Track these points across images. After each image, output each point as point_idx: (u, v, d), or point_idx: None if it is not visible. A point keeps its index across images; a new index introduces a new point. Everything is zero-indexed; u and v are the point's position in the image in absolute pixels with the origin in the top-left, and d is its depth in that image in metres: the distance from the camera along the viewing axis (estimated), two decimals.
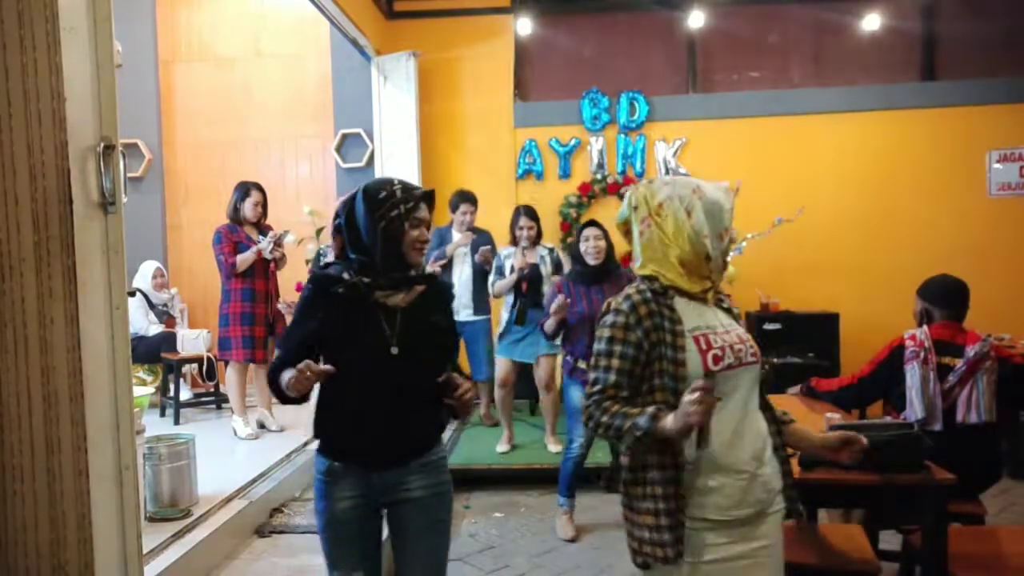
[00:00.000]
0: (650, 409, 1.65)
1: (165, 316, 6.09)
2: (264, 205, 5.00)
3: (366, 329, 1.94)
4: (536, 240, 4.87)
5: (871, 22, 6.41)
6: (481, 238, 5.33)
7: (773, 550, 1.77)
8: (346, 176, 6.59)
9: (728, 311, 1.84)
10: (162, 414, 5.75)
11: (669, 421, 1.61)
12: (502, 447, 5.00)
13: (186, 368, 5.95)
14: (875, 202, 6.40)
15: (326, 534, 2.03)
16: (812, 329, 5.90)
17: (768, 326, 5.91)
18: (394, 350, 1.93)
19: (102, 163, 1.90)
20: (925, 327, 2.95)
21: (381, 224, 1.93)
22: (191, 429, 5.13)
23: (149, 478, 3.44)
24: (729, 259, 5.84)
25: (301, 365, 1.79)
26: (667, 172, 6.56)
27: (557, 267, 4.78)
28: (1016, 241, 6.27)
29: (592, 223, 3.99)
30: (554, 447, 4.93)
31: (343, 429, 1.98)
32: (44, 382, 1.77)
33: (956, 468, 2.31)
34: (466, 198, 5.36)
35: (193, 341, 5.91)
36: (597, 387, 1.73)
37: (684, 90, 6.72)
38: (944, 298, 3.02)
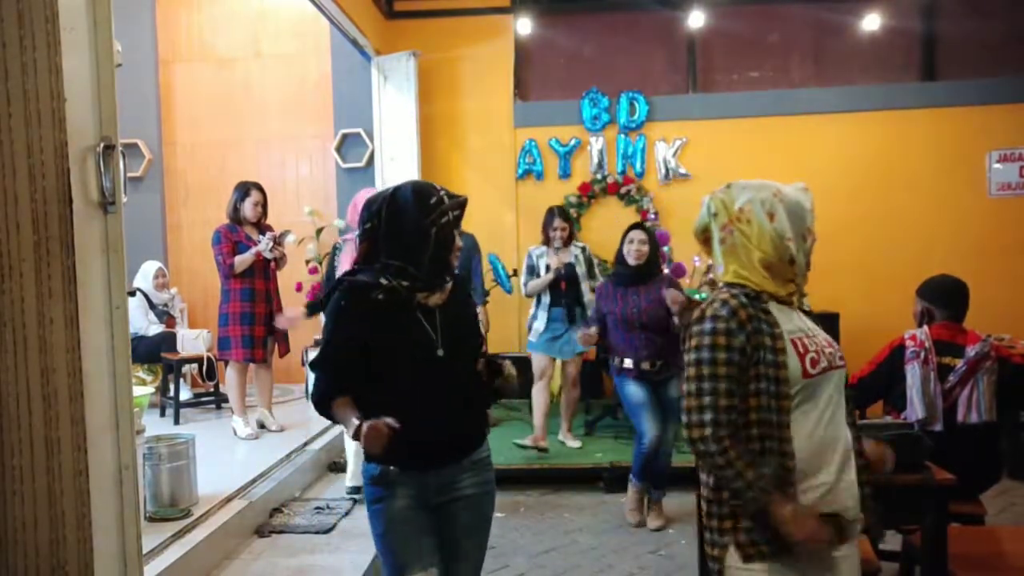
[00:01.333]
0: (771, 482, 1.62)
1: (165, 316, 6.09)
2: (264, 205, 5.00)
3: (411, 333, 1.94)
4: (568, 240, 4.93)
5: (871, 22, 6.41)
6: (465, 239, 5.31)
7: (850, 561, 1.75)
8: (346, 176, 6.60)
9: (809, 314, 1.82)
10: (162, 414, 5.75)
11: (786, 517, 1.61)
12: (525, 440, 4.95)
13: (186, 368, 5.95)
14: (875, 202, 6.40)
15: (390, 536, 1.98)
16: None
17: None
18: (440, 351, 1.95)
19: (102, 163, 1.90)
20: (925, 327, 2.95)
21: (433, 229, 1.93)
22: (191, 429, 5.13)
23: (149, 478, 3.44)
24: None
25: (373, 424, 1.76)
26: (667, 172, 6.56)
27: (590, 265, 4.88)
28: (1016, 241, 6.27)
29: (637, 225, 4.18)
30: (572, 442, 5.02)
31: (399, 435, 1.87)
32: (44, 382, 1.76)
33: (956, 468, 2.31)
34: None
35: (193, 341, 5.91)
36: (706, 400, 1.67)
37: (684, 90, 6.72)
38: (944, 298, 3.02)
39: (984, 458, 2.91)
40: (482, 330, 5.21)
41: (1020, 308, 5.97)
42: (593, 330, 4.04)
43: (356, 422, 1.81)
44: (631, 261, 4.01)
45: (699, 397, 1.68)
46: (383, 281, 1.93)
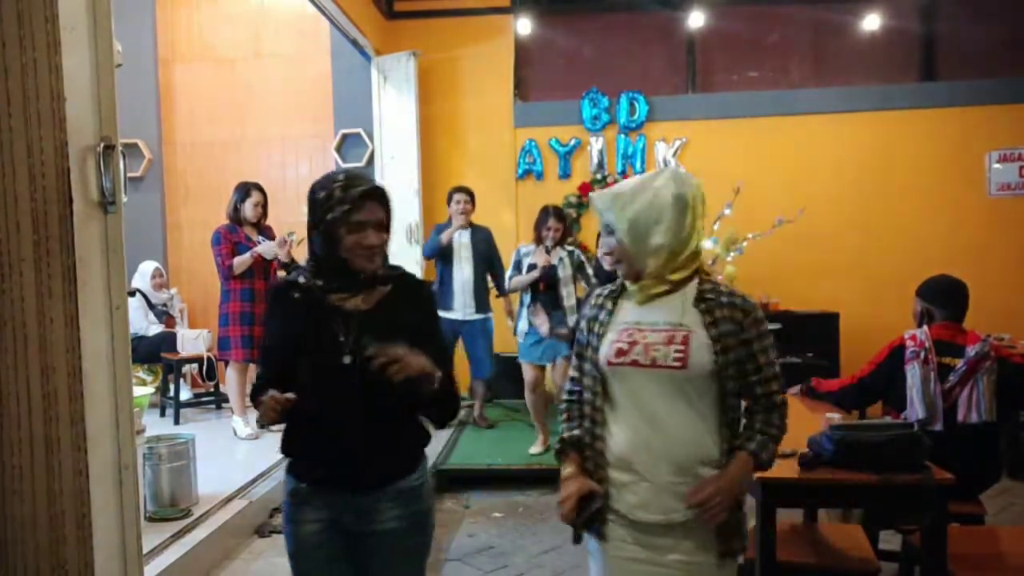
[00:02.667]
0: (564, 446, 1.86)
1: (164, 316, 6.09)
2: (264, 205, 5.00)
3: (319, 336, 1.77)
4: (561, 240, 4.81)
5: (871, 22, 6.41)
6: (481, 233, 5.33)
7: (693, 568, 1.70)
8: None
9: (708, 312, 1.72)
10: (162, 414, 5.75)
11: (562, 476, 1.81)
12: (536, 448, 4.93)
13: (186, 368, 5.95)
14: (875, 202, 6.40)
15: (296, 562, 1.86)
16: (812, 329, 5.90)
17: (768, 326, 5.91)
18: (346, 359, 1.74)
19: (102, 163, 1.90)
20: (925, 327, 2.95)
21: (320, 228, 1.76)
22: (191, 429, 5.13)
23: (149, 478, 3.44)
24: (730, 259, 5.87)
25: (265, 397, 1.67)
26: None
27: (580, 267, 4.77)
28: (1016, 241, 6.28)
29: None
30: None
31: (307, 446, 1.81)
32: (44, 382, 1.76)
33: (956, 468, 2.31)
34: (459, 189, 5.38)
35: (193, 341, 5.91)
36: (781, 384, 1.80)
37: (684, 90, 6.72)
38: (944, 298, 3.02)
39: (984, 458, 2.91)
40: (509, 320, 5.28)
41: (1020, 308, 5.97)
42: (564, 331, 3.96)
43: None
44: (606, 266, 3.88)
45: (779, 382, 1.79)
46: (301, 280, 1.83)
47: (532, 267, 4.72)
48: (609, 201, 1.77)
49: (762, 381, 1.74)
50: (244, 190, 4.93)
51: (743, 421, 1.78)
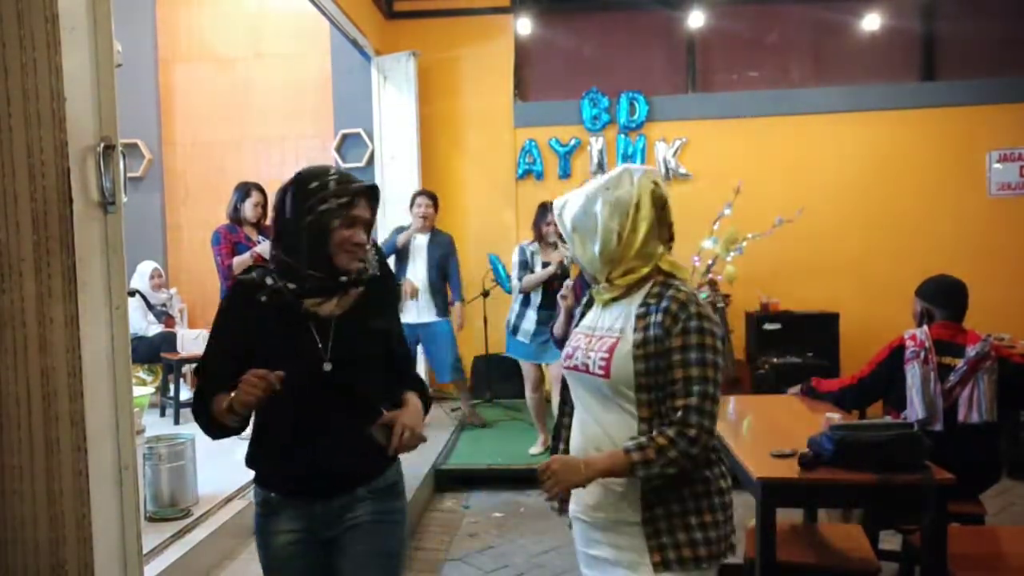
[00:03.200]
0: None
1: (164, 316, 6.09)
2: (264, 205, 5.00)
3: (295, 344, 1.67)
4: (561, 237, 4.82)
5: (871, 22, 6.41)
6: (441, 238, 5.31)
7: (620, 570, 1.67)
8: None
9: (642, 317, 1.67)
10: (162, 414, 5.75)
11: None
12: (536, 449, 4.93)
13: (186, 368, 5.95)
14: (875, 202, 6.40)
15: (268, 574, 1.78)
16: (812, 329, 5.90)
17: (768, 326, 5.92)
18: (327, 366, 1.67)
19: (102, 163, 1.90)
20: (925, 327, 2.95)
21: (308, 219, 1.64)
22: (191, 429, 5.10)
23: (149, 478, 3.44)
24: (730, 259, 5.87)
25: (247, 375, 1.55)
26: (667, 172, 6.57)
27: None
28: (1016, 241, 6.28)
29: None
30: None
31: (278, 457, 1.72)
32: (44, 382, 1.76)
33: (956, 468, 2.31)
34: (422, 192, 5.37)
35: (193, 341, 5.90)
36: (717, 406, 1.67)
37: (684, 90, 6.72)
38: (944, 298, 3.02)
39: (984, 458, 2.91)
40: (455, 325, 5.31)
41: (1020, 308, 5.97)
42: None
43: (226, 399, 1.58)
44: None
45: (711, 402, 1.69)
46: (268, 281, 1.69)
47: (545, 265, 4.71)
48: (559, 207, 1.80)
49: (672, 395, 1.62)
50: (244, 190, 4.93)
51: None
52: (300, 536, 1.74)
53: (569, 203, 1.79)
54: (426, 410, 1.83)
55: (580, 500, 1.76)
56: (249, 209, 4.90)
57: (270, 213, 5.04)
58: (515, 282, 4.94)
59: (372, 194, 1.74)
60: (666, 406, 1.63)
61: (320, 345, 1.68)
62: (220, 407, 1.61)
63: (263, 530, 1.77)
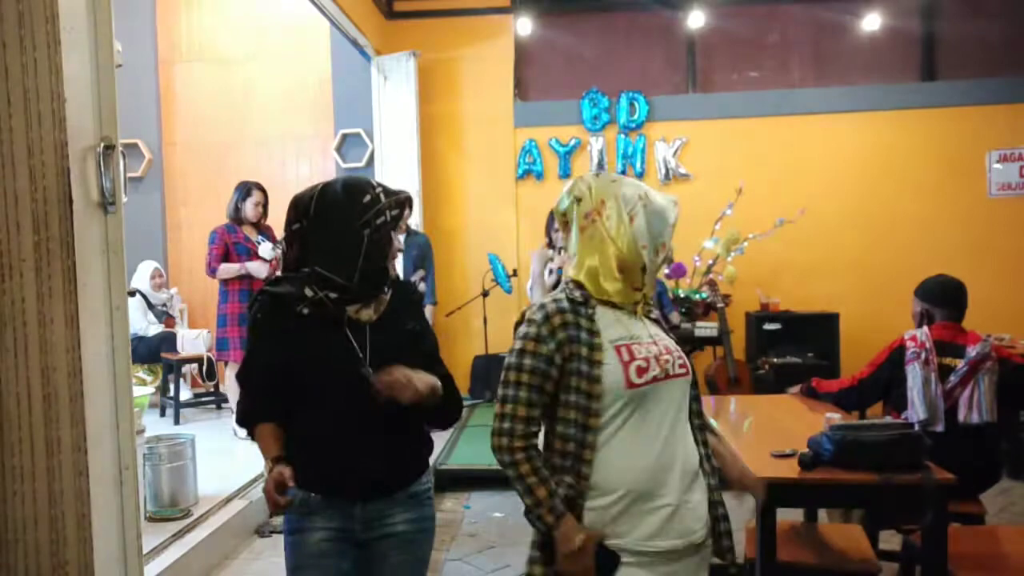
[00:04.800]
0: (560, 505, 1.55)
1: (164, 316, 6.09)
2: (265, 205, 5.00)
3: (334, 351, 1.71)
4: None
5: (871, 22, 6.42)
6: (416, 239, 5.30)
7: None
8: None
9: (656, 322, 1.72)
10: (162, 414, 5.75)
11: (571, 540, 1.52)
12: None
13: (186, 368, 5.95)
14: (875, 202, 6.40)
15: (298, 572, 1.78)
16: (812, 329, 5.91)
17: (768, 326, 5.92)
18: (369, 371, 1.68)
19: (102, 163, 1.90)
20: (925, 328, 2.95)
21: (366, 231, 1.69)
22: (191, 429, 5.13)
23: (149, 478, 3.44)
24: (730, 259, 5.87)
25: (267, 489, 1.63)
26: (667, 172, 6.57)
27: None
28: (1016, 241, 6.28)
29: None
30: None
31: (322, 460, 1.73)
32: (44, 382, 1.76)
33: (957, 468, 2.31)
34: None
35: (193, 341, 5.91)
36: (507, 408, 1.60)
37: (684, 90, 6.72)
38: (944, 299, 3.02)
39: (984, 458, 2.91)
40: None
41: (1020, 308, 5.97)
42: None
43: (268, 465, 1.68)
44: None
45: (502, 404, 1.62)
46: (308, 292, 1.70)
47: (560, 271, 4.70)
48: (672, 208, 1.75)
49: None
50: (245, 189, 4.93)
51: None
52: (335, 535, 1.75)
53: (653, 202, 1.67)
54: (451, 407, 1.84)
55: (664, 529, 1.57)
56: (250, 208, 4.91)
57: (272, 220, 5.08)
58: (528, 293, 4.91)
59: (411, 203, 1.82)
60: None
61: (360, 351, 1.71)
62: (263, 447, 1.74)
63: (298, 528, 1.77)
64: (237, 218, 4.91)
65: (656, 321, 1.74)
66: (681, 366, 1.65)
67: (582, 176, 1.70)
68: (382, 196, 1.72)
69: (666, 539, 1.56)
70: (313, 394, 1.72)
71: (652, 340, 1.64)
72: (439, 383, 1.75)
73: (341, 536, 1.76)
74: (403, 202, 1.76)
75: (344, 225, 1.69)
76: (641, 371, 1.57)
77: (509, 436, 1.59)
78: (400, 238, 1.79)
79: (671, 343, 1.69)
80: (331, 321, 1.72)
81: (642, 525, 1.56)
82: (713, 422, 1.66)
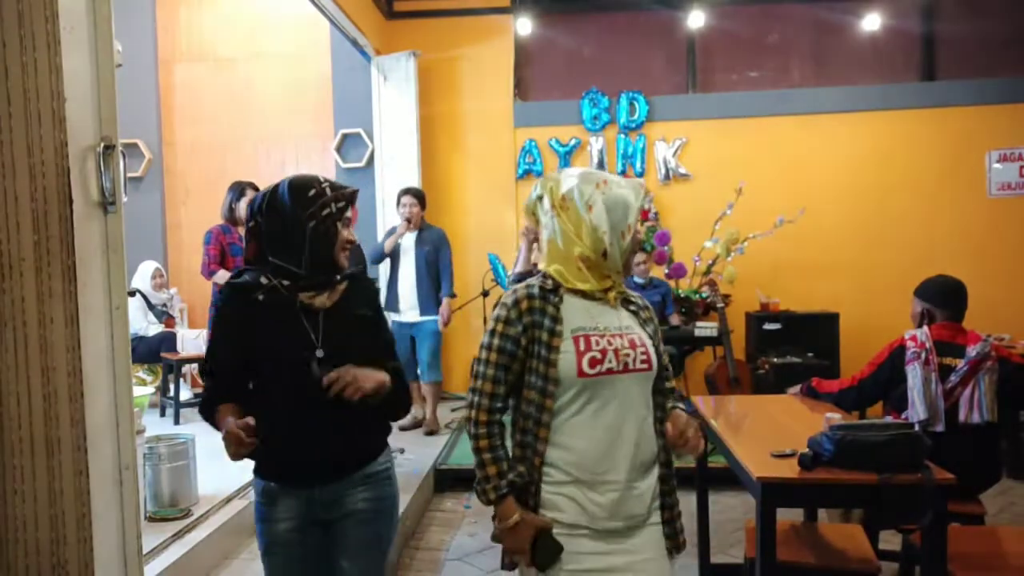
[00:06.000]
0: (504, 485, 1.67)
1: (164, 316, 6.09)
2: None
3: (289, 335, 1.81)
4: None
5: (871, 22, 6.42)
6: (430, 234, 5.28)
7: (652, 564, 1.71)
8: (346, 176, 6.60)
9: (635, 314, 1.79)
10: (162, 414, 5.75)
11: (506, 519, 1.66)
12: None
13: (186, 368, 5.95)
14: (875, 202, 6.40)
15: (268, 560, 1.89)
16: (812, 329, 5.90)
17: (768, 326, 5.91)
18: (319, 352, 1.80)
19: (102, 163, 1.90)
20: (926, 328, 2.95)
21: (311, 223, 1.80)
22: (191, 429, 5.11)
23: (149, 478, 3.44)
24: (730, 259, 5.86)
25: (225, 430, 1.69)
26: (667, 172, 6.57)
27: None
28: (1016, 241, 6.28)
29: None
30: None
31: (277, 446, 1.81)
32: (44, 382, 1.76)
33: (956, 468, 2.31)
34: (407, 191, 5.29)
35: (193, 341, 5.91)
36: (477, 383, 1.74)
37: (684, 90, 6.72)
38: (945, 299, 3.01)
39: (984, 458, 2.91)
40: (441, 323, 5.28)
41: (1020, 308, 5.97)
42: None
43: (223, 429, 1.73)
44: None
45: (474, 379, 1.75)
46: (263, 280, 1.82)
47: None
48: (634, 192, 1.82)
49: (664, 378, 1.82)
50: (239, 189, 4.93)
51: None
52: (299, 523, 1.86)
53: (611, 188, 1.73)
54: (398, 400, 1.92)
55: (613, 511, 1.67)
56: (244, 209, 4.89)
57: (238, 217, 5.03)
58: (515, 266, 4.93)
59: (356, 197, 1.91)
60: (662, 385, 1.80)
61: (313, 335, 1.82)
62: (222, 425, 1.76)
63: (264, 518, 1.88)
64: (232, 219, 4.90)
65: (635, 312, 1.80)
66: (644, 361, 1.71)
67: (548, 173, 1.79)
68: (328, 190, 1.83)
69: (611, 521, 1.68)
70: (267, 377, 1.81)
71: (619, 332, 1.71)
72: (388, 379, 1.82)
73: (304, 519, 1.86)
74: (348, 195, 1.86)
75: (292, 217, 1.80)
76: (595, 362, 1.65)
77: (476, 409, 1.72)
78: (350, 231, 1.88)
79: (643, 336, 1.75)
80: (286, 307, 1.82)
81: (589, 506, 1.67)
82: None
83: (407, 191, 5.29)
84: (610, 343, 1.68)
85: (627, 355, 1.68)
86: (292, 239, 1.81)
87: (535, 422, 1.68)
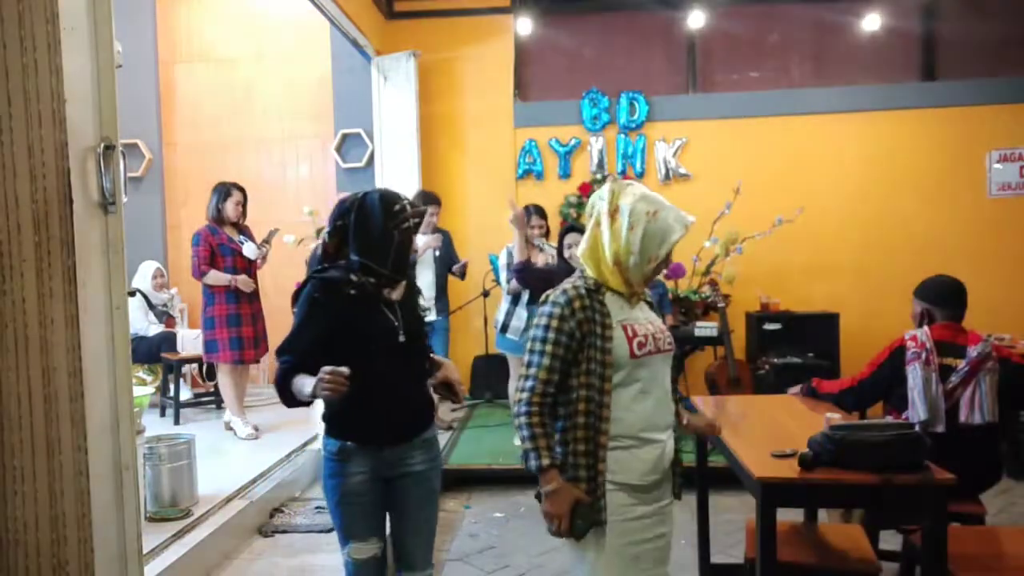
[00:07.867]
0: (548, 456, 1.91)
1: (165, 316, 6.10)
2: (245, 205, 4.99)
3: (379, 323, 2.18)
4: (546, 237, 4.96)
5: (871, 22, 6.42)
6: (445, 235, 5.34)
7: (671, 508, 2.08)
8: (346, 176, 6.60)
9: (650, 305, 2.13)
10: (162, 414, 5.75)
11: (549, 489, 1.91)
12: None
13: (186, 368, 5.95)
14: (875, 202, 6.40)
15: (342, 508, 2.20)
16: (812, 329, 5.90)
17: (768, 326, 5.91)
18: (402, 337, 2.19)
19: (102, 163, 1.90)
20: (926, 328, 2.95)
21: (396, 233, 2.17)
22: (191, 429, 5.13)
23: (149, 478, 3.44)
24: (728, 259, 5.87)
25: (327, 375, 1.91)
26: (667, 172, 6.57)
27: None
28: (1016, 241, 6.28)
29: (572, 228, 4.35)
30: None
31: (362, 413, 2.14)
32: (44, 382, 1.76)
33: (957, 468, 2.31)
34: (431, 199, 5.28)
35: (193, 341, 5.91)
36: (531, 370, 1.96)
37: (684, 90, 6.72)
38: (945, 299, 3.01)
39: (984, 458, 2.91)
40: (458, 269, 5.35)
41: (1020, 308, 5.97)
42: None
43: (314, 379, 1.96)
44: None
45: (528, 368, 1.97)
46: (352, 278, 2.16)
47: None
48: (680, 228, 2.03)
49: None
50: (224, 190, 4.93)
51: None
52: (369, 476, 2.19)
53: (659, 219, 1.96)
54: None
55: (654, 467, 1.97)
56: (231, 209, 4.90)
57: (273, 220, 5.10)
58: (503, 283, 4.99)
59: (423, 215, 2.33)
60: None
61: (396, 324, 2.20)
62: (301, 388, 2.03)
63: (338, 472, 2.19)
64: (219, 219, 4.90)
65: (649, 304, 2.14)
66: (668, 343, 2.06)
67: (616, 180, 2.05)
68: (408, 207, 2.20)
69: (653, 474, 1.98)
70: (358, 358, 2.04)
71: (648, 321, 2.04)
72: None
73: (373, 476, 2.19)
74: (422, 213, 2.29)
75: (380, 228, 2.16)
76: (641, 345, 1.97)
77: (530, 392, 1.95)
78: (419, 239, 2.09)
79: (662, 324, 2.09)
80: (370, 299, 2.17)
81: (642, 464, 1.96)
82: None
83: (431, 200, 5.23)
84: (647, 330, 1.99)
85: (658, 339, 2.00)
86: (380, 244, 2.16)
87: (597, 404, 1.93)
